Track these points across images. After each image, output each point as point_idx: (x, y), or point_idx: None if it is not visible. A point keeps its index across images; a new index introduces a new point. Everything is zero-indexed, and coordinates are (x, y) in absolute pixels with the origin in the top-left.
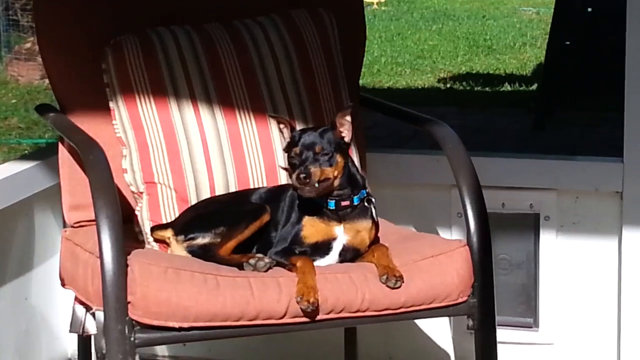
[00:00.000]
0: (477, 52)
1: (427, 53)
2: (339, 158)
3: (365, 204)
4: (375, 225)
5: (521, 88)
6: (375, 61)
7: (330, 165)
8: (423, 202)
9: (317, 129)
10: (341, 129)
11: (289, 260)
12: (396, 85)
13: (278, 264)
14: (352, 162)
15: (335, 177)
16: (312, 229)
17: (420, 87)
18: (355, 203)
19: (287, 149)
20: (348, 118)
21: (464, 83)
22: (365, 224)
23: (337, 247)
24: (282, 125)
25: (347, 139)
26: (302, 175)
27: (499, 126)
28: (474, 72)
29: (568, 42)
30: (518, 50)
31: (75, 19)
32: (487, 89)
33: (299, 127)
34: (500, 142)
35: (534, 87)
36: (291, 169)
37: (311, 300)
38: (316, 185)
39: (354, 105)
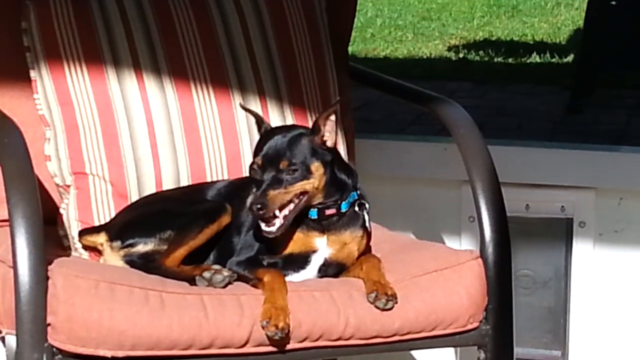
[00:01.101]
0: (498, 14)
1: (434, 14)
2: (314, 168)
3: (356, 208)
4: (367, 234)
5: (553, 60)
6: (369, 23)
7: (304, 178)
8: (426, 202)
9: (289, 132)
10: (323, 132)
11: (254, 273)
12: (395, 54)
13: (240, 278)
14: (340, 158)
15: (314, 190)
16: (285, 236)
17: (425, 56)
18: (343, 210)
19: (253, 155)
20: (332, 117)
21: (480, 52)
22: (354, 235)
23: (316, 261)
24: (254, 120)
25: (329, 143)
26: (255, 207)
27: (524, 107)
28: (493, 38)
29: (614, 2)
30: (550, 11)
31: None
32: (510, 60)
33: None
34: (526, 127)
35: (570, 58)
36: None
37: (280, 325)
38: (279, 222)
39: (343, 96)
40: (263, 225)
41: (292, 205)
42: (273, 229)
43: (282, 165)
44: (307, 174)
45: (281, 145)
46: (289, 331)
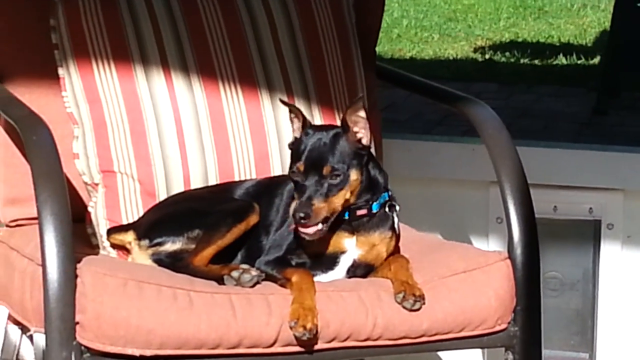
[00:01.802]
0: (524, 15)
1: (460, 15)
2: (353, 175)
3: (386, 210)
4: (396, 236)
5: (580, 61)
6: (395, 24)
7: (341, 189)
8: (454, 203)
9: (328, 132)
10: (355, 128)
11: (283, 273)
12: (421, 55)
13: (268, 278)
14: (374, 160)
15: (346, 201)
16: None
17: (451, 57)
18: (374, 211)
19: (292, 150)
20: (361, 113)
21: (507, 54)
22: (383, 236)
23: (345, 262)
24: (292, 115)
25: (365, 141)
26: (299, 215)
27: (551, 109)
28: (519, 40)
29: None
30: (576, 13)
31: None
32: (536, 61)
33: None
34: (552, 128)
35: (596, 60)
36: (293, 185)
37: (308, 325)
38: (319, 226)
39: (370, 96)
40: (301, 229)
41: (333, 217)
42: (312, 230)
43: (325, 171)
44: (347, 181)
45: (323, 149)
46: (316, 331)
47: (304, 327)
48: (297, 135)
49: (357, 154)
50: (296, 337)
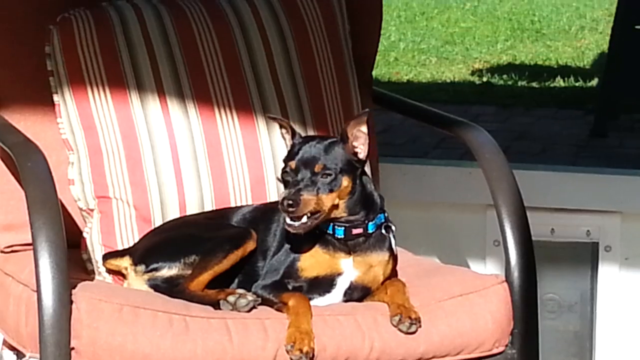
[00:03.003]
0: (521, 38)
1: (458, 38)
2: (345, 181)
3: (383, 231)
4: (394, 258)
5: (577, 83)
6: (393, 47)
7: (331, 191)
8: (450, 226)
9: (324, 139)
10: (354, 143)
11: (279, 297)
12: (418, 78)
13: (264, 302)
14: (369, 179)
15: (334, 207)
16: (311, 259)
17: (449, 80)
18: (370, 231)
19: (286, 160)
20: (364, 129)
21: (504, 76)
22: (380, 257)
23: (342, 284)
24: (283, 130)
25: (361, 156)
26: (287, 202)
27: (548, 131)
28: (517, 62)
29: (638, 26)
30: (574, 35)
31: None
32: (533, 84)
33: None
34: (550, 151)
35: (594, 82)
36: (283, 186)
37: (305, 349)
38: (305, 219)
39: (370, 110)
40: (288, 219)
41: (320, 215)
42: (297, 223)
43: (317, 168)
44: (338, 184)
45: (316, 150)
46: (313, 355)
47: (301, 351)
48: (289, 147)
49: (351, 163)
50: None
